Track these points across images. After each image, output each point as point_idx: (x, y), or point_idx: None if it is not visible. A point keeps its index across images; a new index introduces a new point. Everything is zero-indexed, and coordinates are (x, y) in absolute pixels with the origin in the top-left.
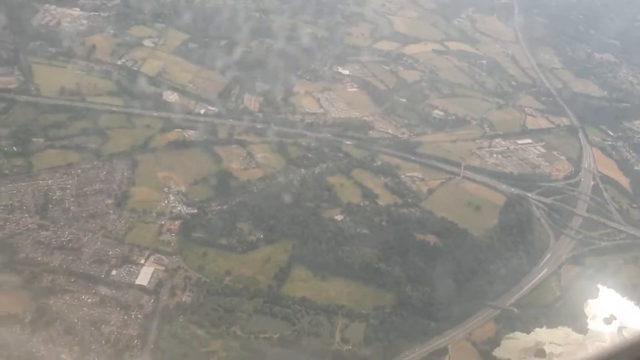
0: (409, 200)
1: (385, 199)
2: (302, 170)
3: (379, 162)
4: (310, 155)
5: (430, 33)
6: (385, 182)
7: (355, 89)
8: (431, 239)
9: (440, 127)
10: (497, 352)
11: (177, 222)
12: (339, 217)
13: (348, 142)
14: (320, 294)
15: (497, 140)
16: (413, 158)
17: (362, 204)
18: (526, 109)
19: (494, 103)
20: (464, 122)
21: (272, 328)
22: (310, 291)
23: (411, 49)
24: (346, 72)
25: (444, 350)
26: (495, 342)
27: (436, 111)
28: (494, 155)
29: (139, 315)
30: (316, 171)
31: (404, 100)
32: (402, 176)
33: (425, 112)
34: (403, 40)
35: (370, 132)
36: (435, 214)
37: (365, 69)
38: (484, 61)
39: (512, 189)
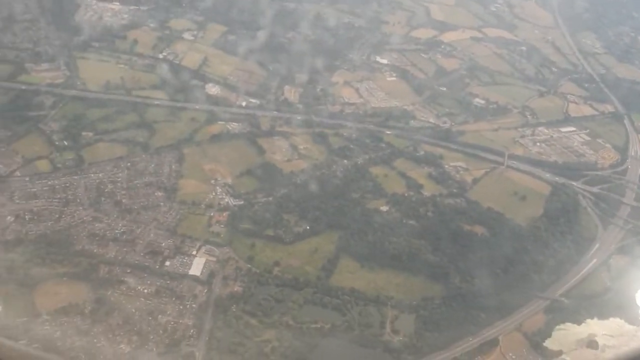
0: (454, 190)
1: (430, 189)
2: (345, 161)
3: (422, 152)
4: (351, 145)
5: (468, 20)
6: (429, 172)
7: (394, 78)
8: (478, 229)
9: (481, 115)
10: (548, 344)
11: (225, 214)
12: (384, 208)
13: (389, 132)
14: (369, 285)
15: (539, 128)
16: (456, 147)
17: (406, 195)
18: (568, 96)
19: (535, 90)
20: (505, 111)
21: (323, 318)
22: (359, 282)
23: (449, 37)
24: (384, 61)
25: (494, 341)
26: (545, 333)
27: (477, 99)
28: (537, 143)
29: (194, 305)
30: (359, 162)
31: (444, 88)
32: (446, 166)
33: (466, 101)
34: (440, 27)
35: (412, 121)
36: (481, 204)
37: (404, 58)
38: (524, 47)
39: (557, 178)
